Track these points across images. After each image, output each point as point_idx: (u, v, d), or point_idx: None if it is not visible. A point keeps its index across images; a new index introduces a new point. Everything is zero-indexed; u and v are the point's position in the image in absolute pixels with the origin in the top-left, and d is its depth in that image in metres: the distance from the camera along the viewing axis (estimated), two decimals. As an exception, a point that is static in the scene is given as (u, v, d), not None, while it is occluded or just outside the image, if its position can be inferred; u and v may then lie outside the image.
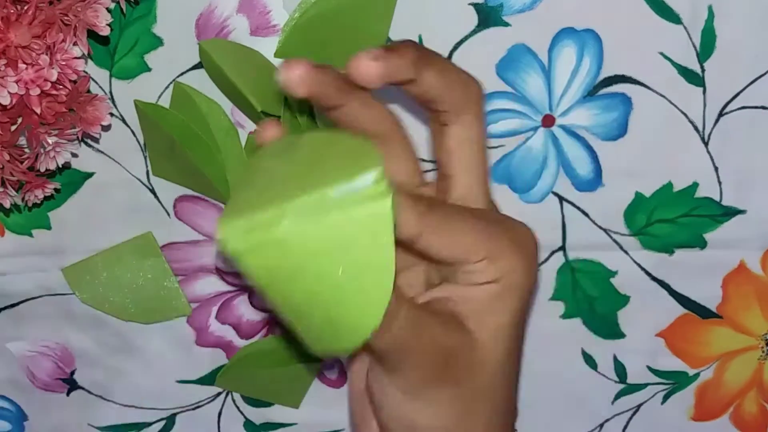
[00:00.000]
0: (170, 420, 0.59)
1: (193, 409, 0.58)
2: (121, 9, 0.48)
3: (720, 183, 0.51)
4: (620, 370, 0.56)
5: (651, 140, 0.50)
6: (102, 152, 0.52)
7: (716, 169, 0.51)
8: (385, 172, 0.30)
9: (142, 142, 0.52)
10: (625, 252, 0.53)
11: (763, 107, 0.50)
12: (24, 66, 0.42)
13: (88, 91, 0.47)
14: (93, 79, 0.50)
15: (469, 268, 0.37)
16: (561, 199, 0.52)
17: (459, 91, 0.38)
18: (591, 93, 0.50)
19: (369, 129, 0.39)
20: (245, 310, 0.55)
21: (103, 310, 0.55)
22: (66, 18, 0.42)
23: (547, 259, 0.53)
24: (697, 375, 0.55)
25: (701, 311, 0.54)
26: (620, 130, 0.50)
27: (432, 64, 0.38)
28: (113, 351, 0.57)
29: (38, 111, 0.43)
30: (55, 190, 0.49)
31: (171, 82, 0.50)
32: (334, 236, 0.30)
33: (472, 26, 0.49)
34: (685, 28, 0.48)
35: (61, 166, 0.46)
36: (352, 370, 0.43)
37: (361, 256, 0.31)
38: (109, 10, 0.44)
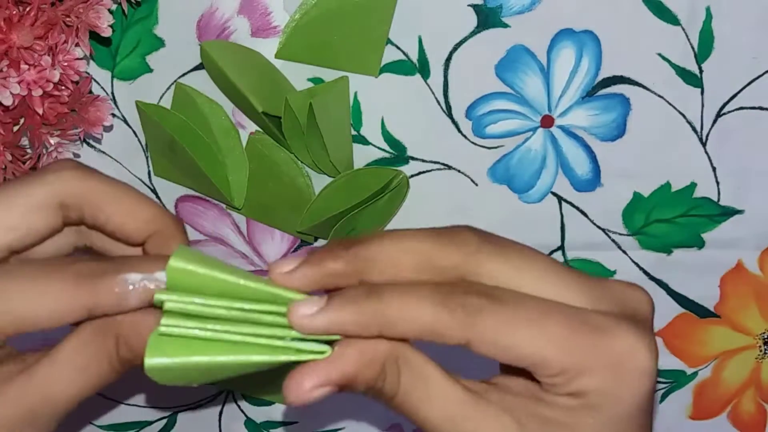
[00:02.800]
0: (172, 418, 0.59)
1: (195, 407, 0.59)
2: (123, 10, 0.49)
3: (718, 183, 0.51)
4: (619, 369, 0.56)
5: (649, 141, 0.51)
6: (104, 153, 0.52)
7: (714, 169, 0.51)
8: None
9: (143, 143, 0.52)
10: (624, 252, 0.53)
11: (761, 108, 0.50)
12: (26, 67, 0.42)
13: (90, 92, 0.47)
14: (95, 80, 0.50)
15: (542, 378, 0.31)
16: (560, 199, 0.52)
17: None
18: (590, 94, 0.50)
19: None
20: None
21: (104, 310, 0.55)
22: (68, 19, 0.43)
23: (546, 259, 0.53)
24: (695, 374, 0.56)
25: (699, 310, 0.54)
26: (619, 131, 0.51)
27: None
28: (115, 350, 0.57)
29: (40, 112, 0.43)
30: (57, 190, 0.49)
31: (172, 83, 0.51)
32: None
33: (471, 27, 0.49)
34: (683, 29, 0.48)
35: (63, 166, 0.47)
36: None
37: None
38: (110, 12, 0.44)
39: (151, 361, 0.31)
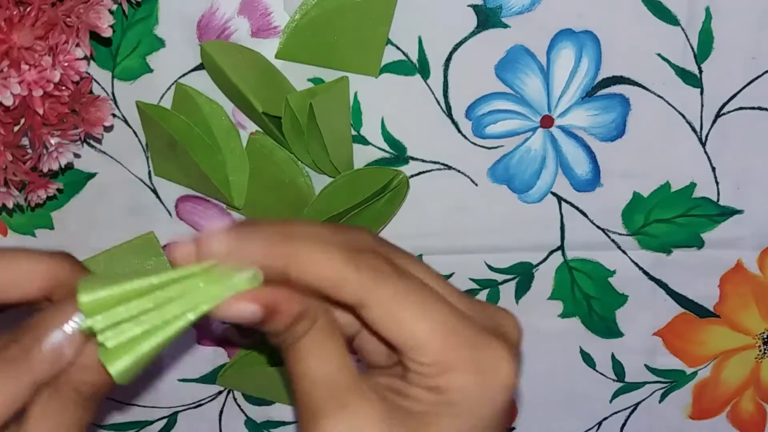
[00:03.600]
0: (172, 418, 0.59)
1: (195, 407, 0.59)
2: (123, 11, 0.49)
3: (717, 183, 0.52)
4: (618, 369, 0.56)
5: (649, 141, 0.51)
6: (104, 153, 0.52)
7: (713, 169, 0.51)
8: None
9: (143, 143, 0.52)
10: (623, 252, 0.53)
11: (760, 108, 0.50)
12: (27, 67, 0.42)
13: (91, 92, 0.47)
14: (95, 81, 0.51)
15: (413, 364, 0.32)
16: (559, 199, 0.52)
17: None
18: (589, 94, 0.50)
19: None
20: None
21: (105, 310, 0.55)
22: (68, 19, 0.43)
23: (545, 259, 0.54)
24: (694, 374, 0.56)
25: (699, 310, 0.54)
26: (618, 131, 0.51)
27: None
28: (115, 350, 0.57)
29: (41, 112, 0.43)
30: (58, 190, 0.49)
31: (173, 84, 0.51)
32: None
33: (471, 27, 0.49)
34: (682, 29, 0.48)
35: (63, 166, 0.47)
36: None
37: None
38: (111, 12, 0.44)
39: (115, 368, 0.32)
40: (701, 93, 0.50)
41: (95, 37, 0.45)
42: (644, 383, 0.56)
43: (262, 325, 0.33)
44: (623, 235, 0.53)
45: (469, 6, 0.49)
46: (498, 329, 0.34)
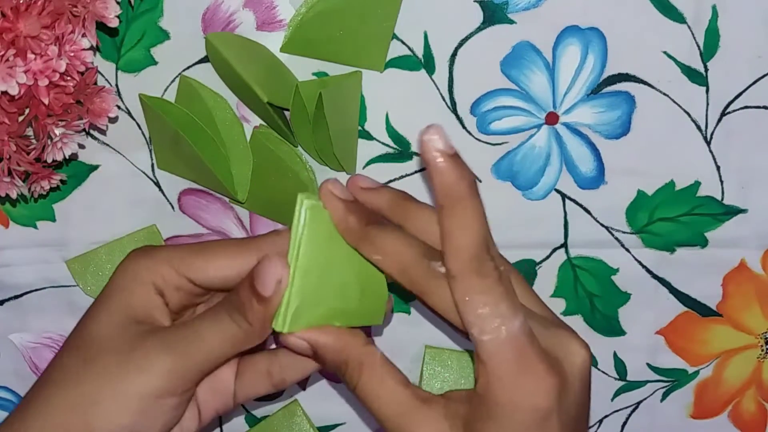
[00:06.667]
0: (171, 413, 0.59)
1: (195, 402, 0.58)
2: (129, 2, 0.49)
3: (722, 182, 0.51)
4: (620, 367, 0.56)
5: (654, 139, 0.51)
6: (107, 145, 0.52)
7: (718, 168, 0.51)
8: None
9: (147, 136, 0.52)
10: (627, 250, 0.53)
11: (766, 107, 0.50)
12: (33, 56, 0.42)
13: (95, 84, 0.47)
14: (99, 72, 0.50)
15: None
16: (564, 196, 0.52)
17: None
18: (595, 91, 0.50)
19: None
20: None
21: (106, 303, 0.55)
22: (75, 9, 0.43)
23: (548, 256, 0.53)
24: (696, 373, 0.56)
25: (701, 309, 0.54)
26: (623, 129, 0.51)
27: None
28: (115, 343, 0.57)
29: (46, 102, 0.43)
30: (61, 181, 0.49)
31: (177, 76, 0.51)
32: None
33: (477, 23, 0.49)
34: (689, 27, 0.48)
35: (68, 157, 0.47)
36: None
37: None
38: (117, 2, 0.44)
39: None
40: (707, 91, 0.50)
41: (100, 28, 0.45)
42: (646, 382, 0.56)
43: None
44: (627, 233, 0.53)
45: (475, 1, 0.48)
46: (559, 353, 0.38)
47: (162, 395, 0.40)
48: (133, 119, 0.52)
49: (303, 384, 0.57)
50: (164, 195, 0.53)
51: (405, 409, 0.39)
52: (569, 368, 0.38)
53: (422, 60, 0.50)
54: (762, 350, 0.55)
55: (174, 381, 0.40)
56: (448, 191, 0.36)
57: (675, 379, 0.56)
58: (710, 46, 0.49)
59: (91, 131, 0.52)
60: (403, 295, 0.55)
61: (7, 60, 0.41)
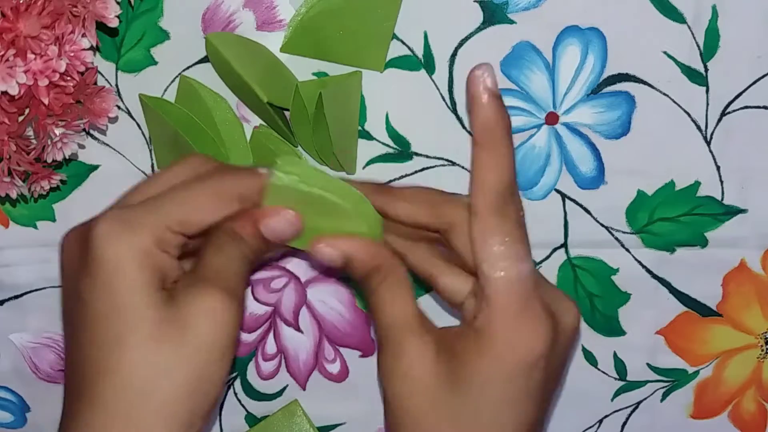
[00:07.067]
0: (171, 413, 0.59)
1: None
2: (129, 2, 0.49)
3: (722, 182, 0.51)
4: (620, 367, 0.56)
5: (654, 139, 0.51)
6: (107, 145, 0.52)
7: (718, 168, 0.51)
8: None
9: (147, 136, 0.52)
10: (627, 250, 0.53)
11: (766, 107, 0.50)
12: (33, 56, 0.42)
13: (95, 84, 0.47)
14: (99, 72, 0.50)
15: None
16: (563, 196, 0.52)
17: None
18: (595, 91, 0.50)
19: None
20: (249, 304, 0.55)
21: (106, 303, 0.55)
22: (75, 9, 0.43)
23: (548, 256, 0.53)
24: (696, 373, 0.56)
25: (701, 309, 0.54)
26: (623, 129, 0.51)
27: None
28: (115, 343, 0.57)
29: (46, 102, 0.43)
30: (61, 181, 0.49)
31: (177, 76, 0.51)
32: None
33: (477, 23, 0.49)
34: (689, 27, 0.48)
35: (68, 157, 0.47)
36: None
37: None
38: (117, 2, 0.44)
39: (276, 177, 0.41)
40: (707, 91, 0.50)
41: (100, 28, 0.45)
42: (646, 382, 0.56)
43: (344, 270, 0.42)
44: (627, 233, 0.53)
45: (475, 1, 0.48)
46: (555, 307, 0.41)
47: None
48: (133, 119, 0.52)
49: (303, 384, 0.57)
50: (164, 195, 0.53)
51: (406, 324, 0.41)
52: (562, 322, 0.40)
53: (422, 60, 0.50)
54: (762, 350, 0.55)
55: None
56: (486, 128, 0.38)
57: (675, 379, 0.56)
58: (710, 46, 0.49)
59: (91, 131, 0.52)
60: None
61: (7, 60, 0.41)
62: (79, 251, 0.40)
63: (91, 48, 0.43)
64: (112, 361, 0.38)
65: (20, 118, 0.45)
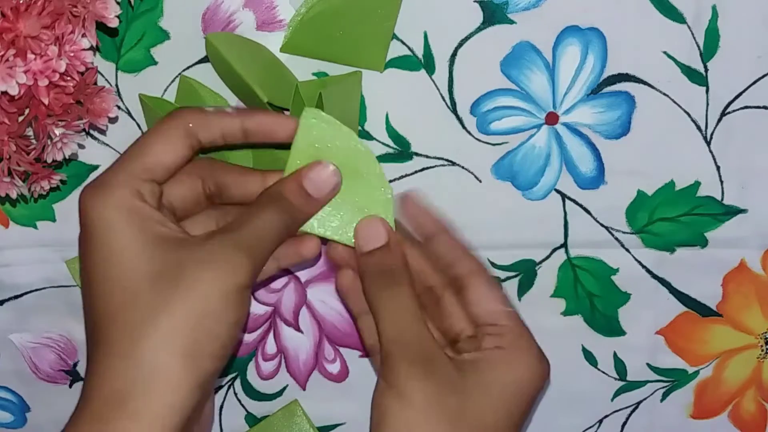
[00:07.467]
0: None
1: (195, 402, 0.58)
2: (129, 2, 0.49)
3: (722, 182, 0.51)
4: (620, 368, 0.56)
5: (654, 139, 0.51)
6: (107, 145, 0.52)
7: (718, 168, 0.51)
8: None
9: (147, 135, 0.52)
10: (627, 250, 0.53)
11: (766, 107, 0.50)
12: (33, 56, 0.42)
13: (95, 84, 0.47)
14: (99, 72, 0.50)
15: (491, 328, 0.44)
16: (563, 196, 0.52)
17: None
18: (595, 91, 0.50)
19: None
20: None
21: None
22: (75, 9, 0.43)
23: (548, 256, 0.53)
24: (696, 373, 0.56)
25: (701, 309, 0.54)
26: (623, 129, 0.51)
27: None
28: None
29: (46, 102, 0.43)
30: (61, 181, 0.49)
31: (177, 76, 0.51)
32: None
33: (477, 23, 0.49)
34: (689, 27, 0.48)
35: (68, 157, 0.47)
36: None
37: None
38: (117, 2, 0.44)
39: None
40: (707, 91, 0.50)
41: (100, 28, 0.45)
42: (646, 382, 0.56)
43: (372, 253, 0.45)
44: (627, 233, 0.53)
45: (475, 1, 0.48)
46: None
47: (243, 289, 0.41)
48: (133, 119, 0.52)
49: (303, 384, 0.57)
50: (164, 195, 0.53)
51: (404, 344, 0.43)
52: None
53: (422, 60, 0.50)
54: (762, 350, 0.55)
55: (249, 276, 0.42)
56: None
57: (675, 379, 0.56)
58: (710, 46, 0.49)
59: (91, 131, 0.52)
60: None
61: (7, 60, 0.41)
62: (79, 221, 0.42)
63: (91, 48, 0.43)
64: (112, 306, 0.40)
65: (20, 118, 0.45)
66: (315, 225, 0.45)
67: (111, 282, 0.40)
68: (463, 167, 0.52)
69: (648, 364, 0.55)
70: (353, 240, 0.46)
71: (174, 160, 0.43)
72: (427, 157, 0.52)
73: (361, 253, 0.45)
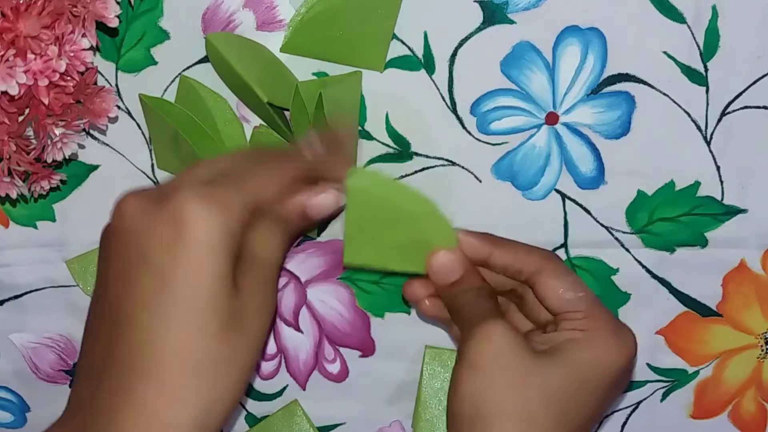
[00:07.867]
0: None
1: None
2: (129, 2, 0.49)
3: (722, 182, 0.51)
4: (620, 368, 0.56)
5: (654, 139, 0.51)
6: (107, 145, 0.52)
7: (718, 168, 0.51)
8: None
9: (147, 136, 0.52)
10: (627, 250, 0.53)
11: (766, 107, 0.50)
12: (33, 56, 0.42)
13: (95, 84, 0.47)
14: (99, 72, 0.50)
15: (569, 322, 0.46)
16: (563, 196, 0.52)
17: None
18: (595, 91, 0.50)
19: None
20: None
21: (106, 303, 0.55)
22: (75, 9, 0.43)
23: (548, 256, 0.53)
24: (696, 373, 0.56)
25: (701, 309, 0.54)
26: (623, 129, 0.51)
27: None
28: (115, 343, 0.57)
29: (46, 102, 0.43)
30: (61, 181, 0.49)
31: (177, 76, 0.51)
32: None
33: (477, 23, 0.49)
34: (689, 27, 0.48)
35: (68, 157, 0.47)
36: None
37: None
38: (117, 2, 0.44)
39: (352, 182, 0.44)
40: (707, 91, 0.50)
41: (100, 28, 0.45)
42: (646, 382, 0.56)
43: (448, 281, 0.47)
44: (627, 233, 0.53)
45: (475, 1, 0.48)
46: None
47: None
48: (133, 119, 0.52)
49: (303, 384, 0.57)
50: (164, 195, 0.53)
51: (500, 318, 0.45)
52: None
53: (422, 60, 0.50)
54: (762, 350, 0.55)
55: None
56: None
57: (675, 379, 0.56)
58: (710, 46, 0.49)
59: (91, 131, 0.52)
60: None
61: (7, 60, 0.41)
62: (154, 220, 0.38)
63: (91, 48, 0.44)
64: (169, 347, 0.38)
65: (20, 118, 0.45)
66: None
67: (177, 307, 0.37)
68: (463, 167, 0.52)
69: (648, 364, 0.55)
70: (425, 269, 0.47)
71: (273, 199, 0.42)
72: (427, 157, 0.52)
73: (447, 284, 0.47)
